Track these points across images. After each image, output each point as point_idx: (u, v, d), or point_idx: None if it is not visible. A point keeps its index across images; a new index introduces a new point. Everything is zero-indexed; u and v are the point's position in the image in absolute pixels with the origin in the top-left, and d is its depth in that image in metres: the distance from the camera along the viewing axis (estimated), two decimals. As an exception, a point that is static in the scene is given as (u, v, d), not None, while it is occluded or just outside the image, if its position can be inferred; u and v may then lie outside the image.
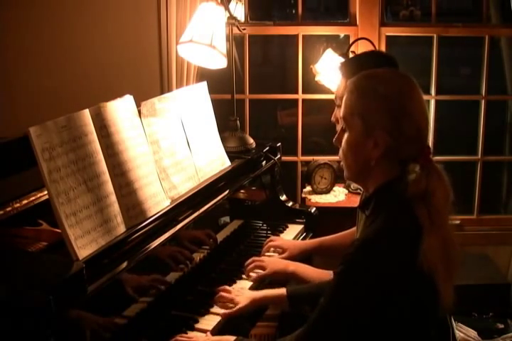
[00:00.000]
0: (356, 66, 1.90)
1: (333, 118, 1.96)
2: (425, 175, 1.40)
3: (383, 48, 3.14)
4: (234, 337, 1.62)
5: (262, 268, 2.03)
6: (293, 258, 2.15)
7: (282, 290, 1.87)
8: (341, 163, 1.56)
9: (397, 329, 1.41)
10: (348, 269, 1.40)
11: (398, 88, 1.45)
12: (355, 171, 1.52)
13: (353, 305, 1.38)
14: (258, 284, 2.01)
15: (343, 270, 1.40)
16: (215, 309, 1.83)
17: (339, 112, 1.91)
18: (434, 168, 1.43)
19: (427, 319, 1.44)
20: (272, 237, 2.31)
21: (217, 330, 1.74)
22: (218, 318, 1.79)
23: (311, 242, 2.27)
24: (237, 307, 1.81)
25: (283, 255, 2.17)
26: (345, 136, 1.50)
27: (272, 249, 2.23)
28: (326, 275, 1.97)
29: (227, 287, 1.92)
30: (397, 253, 1.37)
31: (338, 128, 1.91)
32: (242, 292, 1.90)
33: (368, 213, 1.52)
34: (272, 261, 2.07)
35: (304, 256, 2.20)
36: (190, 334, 1.70)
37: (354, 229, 2.05)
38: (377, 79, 1.48)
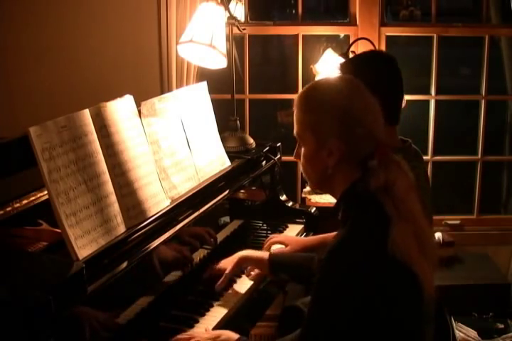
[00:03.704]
0: (355, 66, 1.90)
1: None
2: (383, 169, 1.41)
3: (383, 48, 3.14)
4: (237, 336, 1.62)
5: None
6: None
7: (266, 254, 1.98)
8: (304, 175, 1.59)
9: (386, 328, 1.40)
10: (323, 277, 1.40)
11: (339, 93, 1.46)
12: (316, 181, 1.55)
13: (337, 311, 1.36)
14: (258, 283, 2.01)
15: (320, 279, 1.40)
16: (215, 309, 1.84)
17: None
18: (391, 160, 1.44)
19: (414, 313, 1.42)
20: (274, 234, 2.31)
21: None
22: (218, 318, 1.79)
23: (313, 239, 2.27)
24: (224, 274, 1.92)
25: (285, 249, 2.17)
26: (302, 150, 1.52)
27: (273, 246, 2.23)
28: None
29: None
30: (370, 251, 1.37)
31: None
32: (226, 259, 2.01)
33: (339, 217, 1.52)
34: None
35: (306, 252, 2.21)
36: (190, 331, 1.71)
37: None
38: (317, 90, 1.51)
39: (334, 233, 2.19)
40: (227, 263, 1.97)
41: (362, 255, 1.36)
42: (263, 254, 1.99)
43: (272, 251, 2.18)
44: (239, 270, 2.00)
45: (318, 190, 1.65)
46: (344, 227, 1.45)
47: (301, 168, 1.57)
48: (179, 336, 1.66)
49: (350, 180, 1.47)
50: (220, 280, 1.91)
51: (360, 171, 1.46)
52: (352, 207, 1.46)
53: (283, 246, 2.22)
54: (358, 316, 1.36)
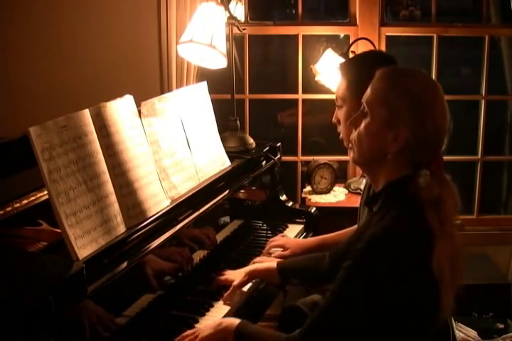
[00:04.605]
0: (356, 66, 1.90)
1: (334, 120, 1.96)
2: (438, 183, 1.42)
3: (383, 48, 3.14)
4: (238, 320, 1.61)
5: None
6: (295, 256, 2.15)
7: (273, 264, 1.95)
8: (350, 145, 1.55)
9: (395, 331, 1.41)
10: (358, 264, 1.40)
11: (428, 89, 1.46)
12: (366, 158, 1.51)
13: (361, 299, 1.38)
14: (258, 283, 2.01)
15: (352, 265, 1.40)
16: (215, 309, 1.84)
17: (340, 113, 1.91)
18: (444, 177, 1.45)
19: (426, 323, 1.44)
20: (275, 237, 2.31)
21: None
22: (218, 318, 1.78)
23: (312, 240, 2.27)
24: (232, 285, 1.89)
25: (285, 252, 2.17)
26: (366, 121, 1.49)
27: (273, 249, 2.23)
28: None
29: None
30: (406, 252, 1.38)
31: (340, 129, 1.91)
32: (234, 271, 1.98)
33: (375, 209, 1.51)
34: None
35: (306, 254, 2.20)
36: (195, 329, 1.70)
37: (356, 226, 2.06)
38: (409, 76, 1.49)
39: (334, 233, 2.20)
40: (235, 276, 1.94)
41: (401, 253, 1.37)
42: (270, 264, 1.97)
43: (272, 255, 2.18)
44: (248, 283, 1.95)
45: (359, 165, 1.60)
46: (382, 221, 1.43)
47: (353, 136, 1.52)
48: (184, 334, 1.66)
49: (398, 174, 1.46)
50: (228, 292, 1.88)
51: (410, 171, 1.45)
52: (395, 205, 1.45)
53: (281, 249, 2.21)
54: (376, 309, 1.37)
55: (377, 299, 1.37)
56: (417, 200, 1.41)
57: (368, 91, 1.50)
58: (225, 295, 1.89)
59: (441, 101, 1.47)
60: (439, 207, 1.40)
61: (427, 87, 1.47)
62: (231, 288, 1.89)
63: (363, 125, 1.49)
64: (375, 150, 1.48)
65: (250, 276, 1.93)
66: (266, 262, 2.04)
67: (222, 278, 1.96)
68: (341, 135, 1.91)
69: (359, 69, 1.84)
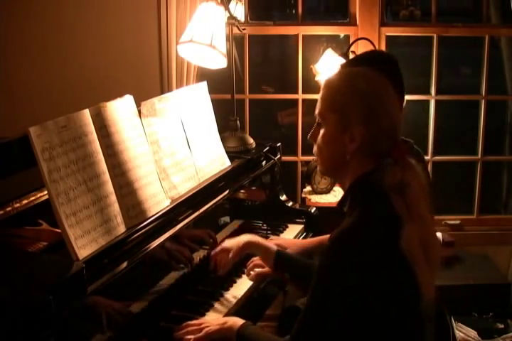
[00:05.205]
0: (357, 66, 1.89)
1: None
2: (400, 168, 1.42)
3: (383, 48, 3.14)
4: (242, 321, 1.62)
5: (262, 266, 2.03)
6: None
7: (273, 246, 1.94)
8: (315, 159, 1.57)
9: (381, 325, 1.41)
10: (325, 263, 1.41)
11: (375, 83, 1.47)
12: (330, 166, 1.54)
13: (336, 296, 1.38)
14: (258, 283, 2.01)
15: (321, 264, 1.41)
16: (216, 309, 1.84)
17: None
18: (407, 161, 1.46)
19: (410, 312, 1.42)
20: (273, 237, 2.30)
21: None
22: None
23: (311, 241, 2.26)
24: (232, 252, 1.90)
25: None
26: (321, 131, 1.51)
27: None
28: None
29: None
30: (374, 243, 1.38)
31: None
32: (233, 239, 1.97)
33: (346, 209, 1.52)
34: None
35: (304, 255, 2.20)
36: (201, 319, 1.72)
37: None
38: (353, 76, 1.50)
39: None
40: (232, 245, 1.93)
41: (368, 245, 1.37)
42: (271, 246, 1.95)
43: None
44: (243, 255, 1.96)
45: (327, 175, 1.63)
46: (350, 217, 1.44)
47: (314, 149, 1.55)
48: (190, 322, 1.67)
49: (361, 171, 1.47)
50: (222, 265, 1.90)
51: (373, 164, 1.46)
52: (360, 199, 1.46)
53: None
54: (356, 306, 1.36)
55: (353, 293, 1.36)
56: (382, 189, 1.41)
57: (318, 102, 1.52)
58: (220, 267, 1.91)
59: (392, 96, 1.48)
60: (404, 191, 1.40)
61: (375, 83, 1.47)
62: (231, 256, 1.90)
63: (319, 136, 1.52)
64: (335, 157, 1.50)
65: (246, 247, 1.93)
66: (267, 242, 2.02)
67: (218, 249, 1.95)
68: None
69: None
